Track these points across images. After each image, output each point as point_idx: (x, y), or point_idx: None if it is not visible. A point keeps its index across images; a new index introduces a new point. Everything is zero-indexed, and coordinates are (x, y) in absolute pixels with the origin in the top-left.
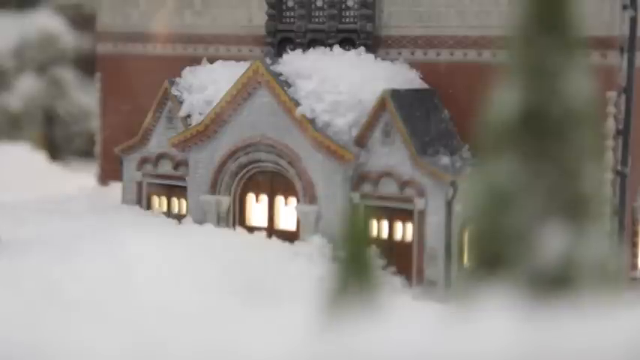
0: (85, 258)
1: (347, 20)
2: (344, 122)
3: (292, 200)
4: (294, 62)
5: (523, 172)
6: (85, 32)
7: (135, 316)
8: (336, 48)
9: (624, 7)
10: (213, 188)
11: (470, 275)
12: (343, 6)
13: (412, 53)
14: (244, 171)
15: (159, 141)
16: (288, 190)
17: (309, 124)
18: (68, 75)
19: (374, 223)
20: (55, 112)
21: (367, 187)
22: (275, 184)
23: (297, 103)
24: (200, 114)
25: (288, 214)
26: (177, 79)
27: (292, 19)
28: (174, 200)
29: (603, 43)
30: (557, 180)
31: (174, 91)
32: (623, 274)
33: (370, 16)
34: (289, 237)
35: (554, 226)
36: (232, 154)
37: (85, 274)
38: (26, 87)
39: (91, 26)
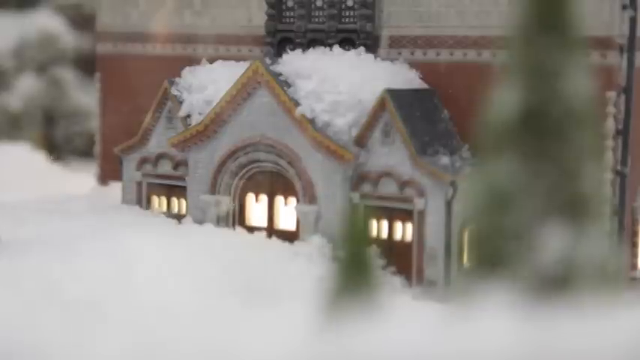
0: (85, 258)
1: (347, 20)
2: (344, 122)
3: (292, 200)
4: (293, 62)
5: (523, 172)
6: (84, 32)
7: (135, 316)
8: (336, 48)
9: (624, 7)
10: (213, 188)
11: (470, 275)
12: (343, 6)
13: (412, 53)
14: (244, 171)
15: (158, 141)
16: (288, 190)
17: (308, 124)
18: (68, 75)
19: (374, 223)
20: (55, 112)
21: (367, 187)
22: (275, 184)
23: (296, 103)
24: (200, 114)
25: (287, 214)
26: (177, 79)
27: (292, 19)
28: (174, 200)
29: (603, 43)
30: (556, 180)
31: (173, 91)
32: (623, 274)
33: (370, 16)
34: (289, 237)
35: (553, 226)
36: (232, 154)
37: (85, 273)
38: (26, 87)
39: (91, 26)
